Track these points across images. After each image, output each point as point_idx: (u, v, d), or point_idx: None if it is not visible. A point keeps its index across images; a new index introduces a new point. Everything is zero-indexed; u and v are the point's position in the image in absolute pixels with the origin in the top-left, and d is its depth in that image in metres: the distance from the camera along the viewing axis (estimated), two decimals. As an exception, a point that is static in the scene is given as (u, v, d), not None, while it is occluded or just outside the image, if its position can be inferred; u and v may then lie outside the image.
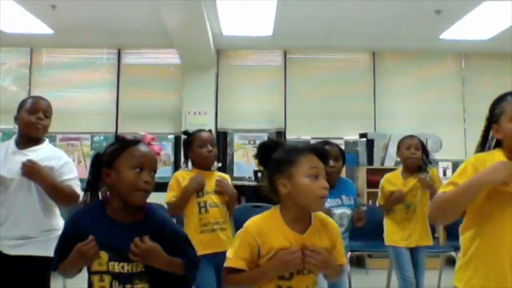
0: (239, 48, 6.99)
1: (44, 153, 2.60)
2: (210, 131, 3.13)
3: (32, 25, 5.86)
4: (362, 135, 6.63)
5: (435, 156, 6.40)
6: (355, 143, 6.81)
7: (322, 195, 1.68)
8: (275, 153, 1.76)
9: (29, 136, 2.61)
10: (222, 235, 2.86)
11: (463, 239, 1.84)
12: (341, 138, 6.68)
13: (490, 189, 1.70)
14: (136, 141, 1.80)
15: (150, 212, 1.80)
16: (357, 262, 5.70)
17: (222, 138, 6.85)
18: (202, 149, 2.94)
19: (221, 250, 2.56)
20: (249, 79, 7.03)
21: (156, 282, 1.74)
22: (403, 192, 3.50)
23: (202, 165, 2.98)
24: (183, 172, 3.00)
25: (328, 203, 2.86)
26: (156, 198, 2.13)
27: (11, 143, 2.63)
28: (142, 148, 1.78)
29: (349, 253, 4.41)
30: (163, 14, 5.01)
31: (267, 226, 1.71)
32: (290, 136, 6.84)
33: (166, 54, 6.86)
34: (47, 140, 2.71)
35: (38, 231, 2.53)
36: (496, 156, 1.75)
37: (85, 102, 6.90)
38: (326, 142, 3.16)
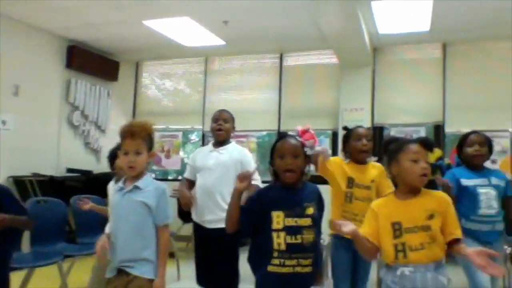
0: (395, 44, 7.01)
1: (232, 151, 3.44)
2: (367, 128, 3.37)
3: (206, 38, 6.72)
4: (531, 127, 6.25)
5: None
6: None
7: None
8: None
9: (217, 139, 3.48)
10: None
11: None
12: (507, 131, 6.39)
13: None
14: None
15: None
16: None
17: (378, 133, 6.96)
18: (357, 143, 3.15)
19: None
20: (406, 74, 7.01)
21: None
22: None
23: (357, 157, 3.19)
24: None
25: (472, 182, 3.07)
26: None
27: (210, 145, 3.55)
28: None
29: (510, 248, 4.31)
30: (319, 19, 5.32)
31: None
32: (449, 129, 6.70)
33: (324, 55, 7.20)
34: (233, 142, 3.53)
35: None
36: None
37: (251, 103, 7.55)
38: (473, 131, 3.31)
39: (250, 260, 2.33)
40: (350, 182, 3.08)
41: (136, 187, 2.40)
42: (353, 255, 3.06)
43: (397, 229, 2.08)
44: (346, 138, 3.24)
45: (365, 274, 3.19)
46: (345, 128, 3.33)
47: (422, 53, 7.03)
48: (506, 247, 4.32)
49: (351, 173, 3.10)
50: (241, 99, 7.61)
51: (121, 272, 2.36)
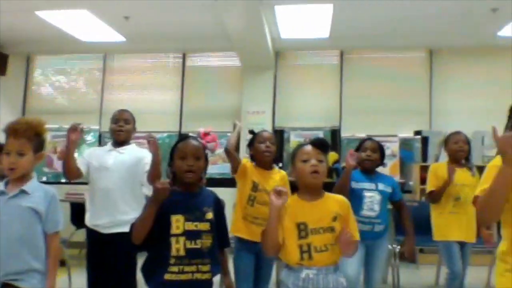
0: (297, 50, 7.20)
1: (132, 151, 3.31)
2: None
3: (105, 33, 6.43)
4: (417, 133, 6.70)
5: (492, 153, 6.39)
6: (410, 140, 6.89)
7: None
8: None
9: (116, 140, 3.31)
10: None
11: None
12: (396, 136, 6.80)
13: None
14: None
15: None
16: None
17: (278, 136, 7.06)
18: (261, 145, 3.19)
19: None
20: (306, 79, 7.22)
21: None
22: (454, 172, 3.61)
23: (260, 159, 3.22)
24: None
25: (360, 185, 3.32)
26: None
27: (109, 144, 3.37)
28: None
29: (399, 247, 4.62)
30: (224, 20, 5.31)
31: None
32: (345, 134, 7.00)
33: (227, 57, 7.20)
34: (133, 144, 3.37)
35: None
36: None
37: (152, 103, 7.35)
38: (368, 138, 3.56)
39: (144, 269, 2.21)
40: (255, 186, 3.13)
41: (23, 192, 2.19)
42: (255, 257, 3.11)
43: (303, 230, 2.08)
44: (251, 142, 3.28)
45: (267, 275, 3.23)
46: (251, 131, 3.34)
47: (321, 59, 7.30)
48: (395, 245, 4.63)
49: (256, 178, 3.15)
50: (142, 99, 7.36)
51: (6, 286, 2.14)
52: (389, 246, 4.40)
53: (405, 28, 6.22)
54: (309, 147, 2.19)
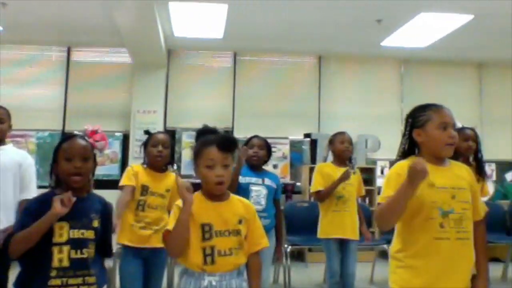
0: (190, 49, 7.11)
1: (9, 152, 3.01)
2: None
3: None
4: (307, 135, 6.90)
5: (374, 155, 6.80)
6: (300, 142, 7.09)
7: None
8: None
9: None
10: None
11: None
12: (287, 138, 6.98)
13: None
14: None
15: None
16: (298, 256, 5.99)
17: (170, 136, 6.91)
18: (153, 149, 3.10)
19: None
20: (199, 79, 7.16)
21: None
22: (350, 173, 3.71)
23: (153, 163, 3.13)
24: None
25: (247, 180, 3.41)
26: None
27: None
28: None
29: (290, 247, 4.70)
30: (114, 13, 5.03)
31: None
32: (238, 135, 7.00)
33: (117, 52, 6.91)
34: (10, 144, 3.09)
35: None
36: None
37: (32, 99, 6.85)
38: (255, 136, 3.62)
39: (18, 284, 1.96)
40: (144, 190, 3.06)
41: None
42: (143, 262, 3.04)
43: (207, 231, 1.94)
44: (145, 142, 3.19)
45: (157, 281, 3.15)
46: (146, 132, 3.26)
47: (215, 60, 7.25)
48: (286, 245, 4.69)
49: (146, 181, 3.08)
50: (20, 94, 6.78)
51: None
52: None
53: (296, 33, 6.36)
54: (214, 151, 1.97)
